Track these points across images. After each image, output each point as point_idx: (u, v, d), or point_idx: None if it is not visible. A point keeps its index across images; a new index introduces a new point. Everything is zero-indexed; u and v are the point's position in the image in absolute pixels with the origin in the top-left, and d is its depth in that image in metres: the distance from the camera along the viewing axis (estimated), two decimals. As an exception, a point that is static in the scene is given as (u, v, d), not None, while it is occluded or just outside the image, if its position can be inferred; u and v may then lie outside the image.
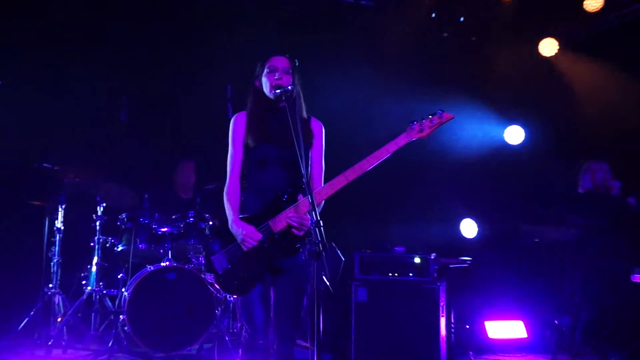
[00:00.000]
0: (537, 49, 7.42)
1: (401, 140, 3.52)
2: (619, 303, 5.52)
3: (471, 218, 7.67)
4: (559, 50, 7.37)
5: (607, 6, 6.72)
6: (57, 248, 5.93)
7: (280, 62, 3.58)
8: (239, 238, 3.43)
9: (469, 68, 7.39)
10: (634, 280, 5.74)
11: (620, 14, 6.91)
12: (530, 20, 7.11)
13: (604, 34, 7.07)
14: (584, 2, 6.77)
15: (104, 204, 6.00)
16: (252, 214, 3.50)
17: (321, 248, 3.05)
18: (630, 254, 5.58)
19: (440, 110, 3.56)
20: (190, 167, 6.65)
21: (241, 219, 3.48)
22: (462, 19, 7.39)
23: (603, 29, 7.08)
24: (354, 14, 7.09)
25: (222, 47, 6.84)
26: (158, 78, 6.91)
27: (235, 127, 3.64)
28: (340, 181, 3.46)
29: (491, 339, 6.66)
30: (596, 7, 6.73)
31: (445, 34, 7.52)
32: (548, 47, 7.38)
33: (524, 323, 6.78)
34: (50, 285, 5.88)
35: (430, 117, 3.56)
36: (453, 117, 3.59)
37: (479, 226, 7.65)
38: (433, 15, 7.28)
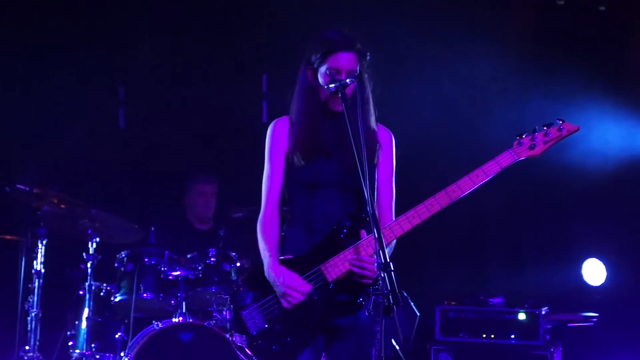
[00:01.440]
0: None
1: (505, 160, 3.53)
2: None
3: (598, 258, 7.61)
4: None
5: None
6: (35, 298, 5.97)
7: (347, 60, 3.55)
8: (278, 290, 3.48)
9: (596, 49, 7.33)
10: None
11: None
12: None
13: None
14: None
15: (97, 239, 6.08)
16: (298, 255, 3.55)
17: (392, 301, 3.06)
18: None
19: (560, 120, 3.57)
20: (209, 189, 6.69)
21: (282, 261, 3.52)
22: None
23: None
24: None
25: (257, 21, 6.89)
26: (165, 67, 7.05)
27: (275, 137, 3.68)
28: (421, 213, 3.48)
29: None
30: None
31: (562, 2, 7.47)
32: None
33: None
34: (27, 348, 5.93)
35: (545, 128, 3.56)
36: (577, 130, 3.60)
37: (609, 269, 7.58)
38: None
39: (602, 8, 7.51)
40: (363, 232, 3.50)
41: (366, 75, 3.64)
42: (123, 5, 6.85)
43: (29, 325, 5.98)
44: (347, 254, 3.47)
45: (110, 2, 6.85)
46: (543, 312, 5.78)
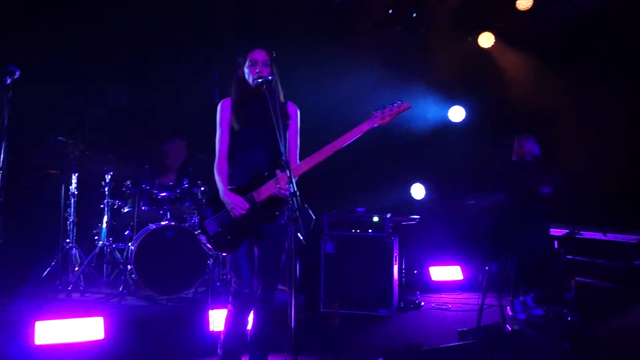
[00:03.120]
0: (476, 41, 7.50)
1: (365, 126, 3.46)
2: (539, 251, 5.69)
3: (420, 183, 7.80)
4: (495, 43, 7.46)
5: (535, 5, 6.83)
6: (72, 209, 5.87)
7: (260, 55, 3.49)
8: (228, 207, 3.45)
9: (420, 57, 7.37)
10: (551, 234, 5.96)
11: (547, 14, 7.02)
12: (472, 16, 7.15)
13: (532, 31, 7.15)
14: (517, 2, 6.87)
15: (111, 173, 5.94)
16: (238, 186, 3.51)
17: (297, 214, 3.06)
18: (550, 212, 5.73)
19: (400, 100, 3.48)
20: (181, 145, 6.39)
21: (230, 190, 3.49)
22: (414, 14, 7.35)
23: (532, 27, 7.16)
24: (325, 11, 6.95)
25: (212, 37, 6.68)
26: (157, 64, 6.73)
27: (222, 112, 3.57)
28: (314, 159, 3.43)
29: (434, 281, 6.92)
30: (526, 6, 6.87)
31: (399, 28, 7.47)
32: (486, 40, 7.46)
33: (461, 268, 7.02)
34: (68, 240, 5.85)
35: (390, 106, 3.48)
36: (410, 107, 3.49)
37: (426, 190, 7.79)
38: (390, 11, 7.22)
39: (423, 32, 7.55)
40: (278, 172, 3.46)
41: (275, 69, 3.53)
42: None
43: (69, 227, 5.87)
44: (269, 185, 3.46)
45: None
46: (388, 216, 5.84)
